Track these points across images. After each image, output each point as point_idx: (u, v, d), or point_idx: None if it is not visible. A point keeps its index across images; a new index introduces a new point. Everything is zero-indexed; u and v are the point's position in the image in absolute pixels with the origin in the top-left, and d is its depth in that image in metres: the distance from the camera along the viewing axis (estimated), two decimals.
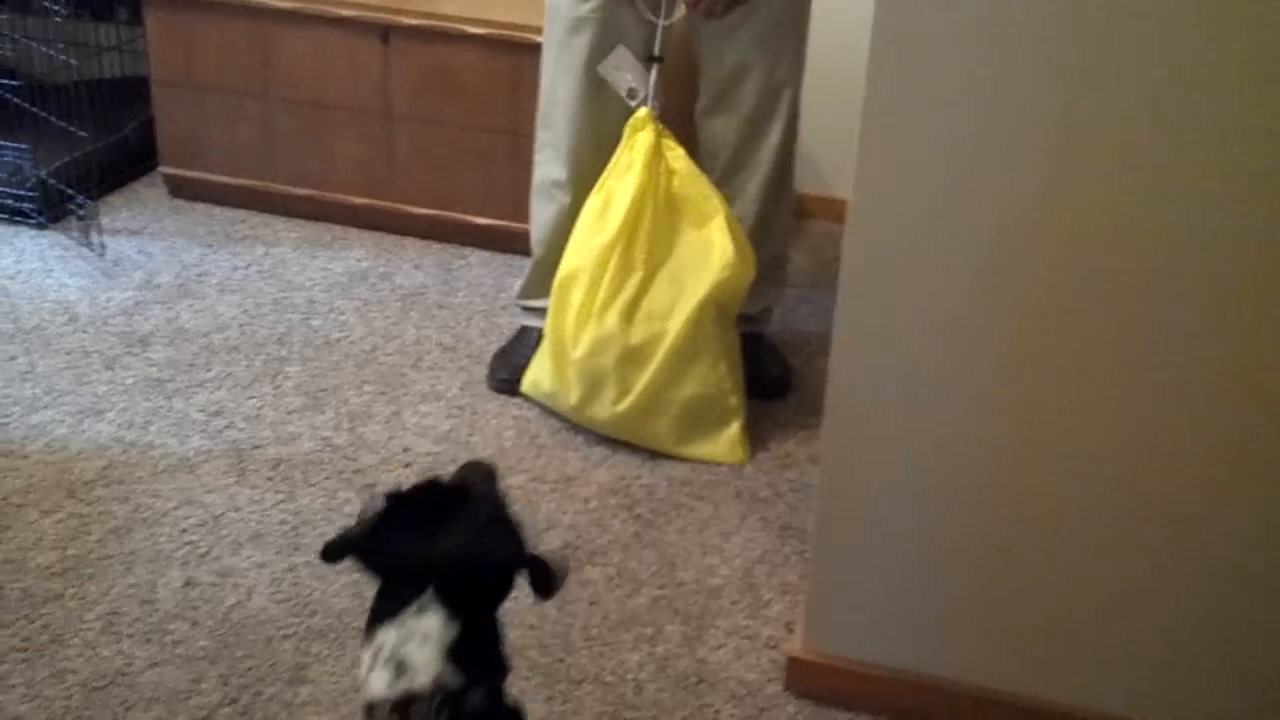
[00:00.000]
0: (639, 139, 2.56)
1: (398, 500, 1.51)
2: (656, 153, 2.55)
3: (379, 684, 1.41)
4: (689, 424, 2.61)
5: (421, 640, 1.41)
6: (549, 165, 2.73)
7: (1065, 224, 1.72)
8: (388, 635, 1.42)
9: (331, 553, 1.49)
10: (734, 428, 2.62)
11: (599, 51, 2.58)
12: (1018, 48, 1.65)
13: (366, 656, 1.44)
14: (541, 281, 2.79)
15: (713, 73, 2.63)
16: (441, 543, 1.46)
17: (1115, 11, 1.61)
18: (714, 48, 2.59)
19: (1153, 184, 1.67)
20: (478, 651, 1.45)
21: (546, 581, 1.48)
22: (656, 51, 2.55)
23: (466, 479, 1.60)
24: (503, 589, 1.50)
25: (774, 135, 2.66)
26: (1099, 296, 1.75)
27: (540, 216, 2.79)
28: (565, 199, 2.71)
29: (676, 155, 2.57)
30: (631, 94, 2.57)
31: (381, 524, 1.49)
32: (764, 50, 2.57)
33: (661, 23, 2.54)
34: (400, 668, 1.40)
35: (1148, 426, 1.79)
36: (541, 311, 2.74)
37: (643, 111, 2.56)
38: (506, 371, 2.81)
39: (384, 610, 1.45)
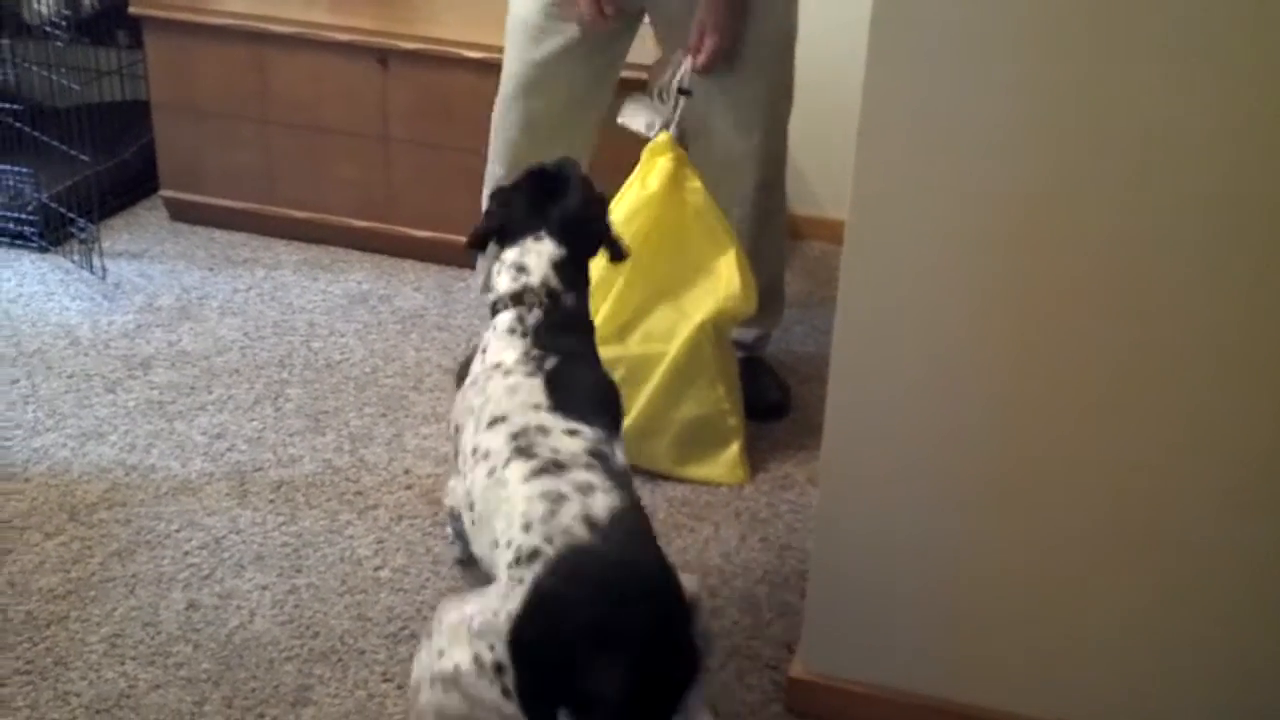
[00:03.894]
0: (658, 164, 2.51)
1: (514, 186, 2.06)
2: (674, 181, 2.51)
3: (504, 282, 1.97)
4: (688, 445, 2.61)
5: (537, 255, 1.97)
6: (493, 164, 2.78)
7: (1068, 244, 1.73)
8: (511, 253, 1.99)
9: (474, 242, 2.06)
10: (733, 448, 2.63)
11: (541, 99, 2.63)
12: (1016, 64, 1.66)
13: (495, 269, 2.00)
14: None
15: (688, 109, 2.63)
16: (556, 206, 2.00)
17: (1113, 30, 1.62)
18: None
19: (1158, 205, 1.68)
20: (575, 274, 1.99)
21: (620, 254, 2.08)
22: (685, 85, 2.52)
23: (561, 167, 2.06)
24: (594, 246, 2.04)
25: (751, 171, 2.64)
26: (1101, 318, 1.75)
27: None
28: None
29: (694, 187, 2.53)
30: (650, 127, 2.55)
31: (507, 201, 2.04)
32: (733, 87, 2.55)
33: (661, 112, 2.55)
34: (520, 269, 1.97)
35: (1151, 451, 1.80)
36: None
37: (664, 136, 2.52)
38: None
39: (507, 242, 2.00)
